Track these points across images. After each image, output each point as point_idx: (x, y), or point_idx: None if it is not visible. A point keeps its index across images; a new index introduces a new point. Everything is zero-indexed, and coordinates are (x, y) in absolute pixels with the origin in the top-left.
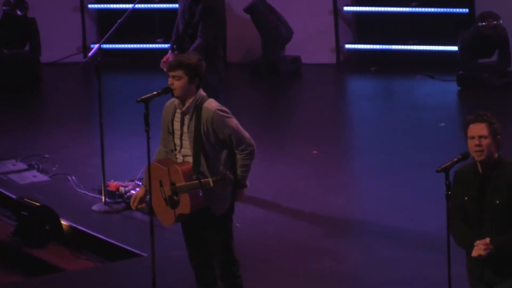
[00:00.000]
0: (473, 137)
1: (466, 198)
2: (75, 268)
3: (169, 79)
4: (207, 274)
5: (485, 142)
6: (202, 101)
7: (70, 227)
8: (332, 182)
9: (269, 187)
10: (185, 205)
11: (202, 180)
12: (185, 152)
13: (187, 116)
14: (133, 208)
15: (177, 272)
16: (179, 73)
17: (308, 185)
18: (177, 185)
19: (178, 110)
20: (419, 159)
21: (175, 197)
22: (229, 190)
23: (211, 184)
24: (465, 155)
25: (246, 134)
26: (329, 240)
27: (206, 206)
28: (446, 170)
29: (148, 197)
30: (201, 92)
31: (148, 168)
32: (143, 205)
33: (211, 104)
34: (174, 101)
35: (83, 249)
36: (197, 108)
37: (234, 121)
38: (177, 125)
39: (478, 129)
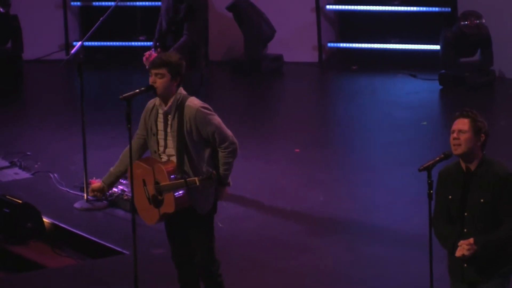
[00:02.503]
0: (453, 131)
1: (450, 197)
2: (56, 265)
3: (150, 77)
4: (190, 272)
5: (463, 136)
6: (184, 99)
7: (52, 224)
8: (314, 180)
9: (250, 185)
10: (169, 204)
11: (188, 180)
12: (169, 152)
13: (169, 116)
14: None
15: (159, 270)
16: (162, 71)
17: (290, 182)
18: (161, 184)
19: (160, 111)
20: (401, 158)
21: (159, 196)
22: (212, 189)
23: (197, 183)
24: (448, 154)
25: (228, 132)
26: (311, 237)
27: (190, 205)
28: (428, 169)
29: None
30: (182, 90)
31: (130, 167)
32: (98, 194)
33: (194, 101)
34: (154, 102)
35: (65, 246)
36: (179, 106)
37: (217, 119)
38: (160, 125)
39: (459, 124)
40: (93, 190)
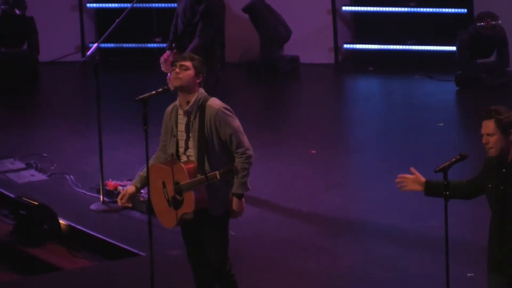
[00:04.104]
0: (482, 135)
1: (489, 186)
2: (73, 267)
3: (173, 71)
4: (205, 273)
5: (492, 139)
6: (205, 99)
7: (68, 226)
8: (330, 181)
9: (266, 186)
10: (189, 204)
11: (208, 174)
12: (190, 153)
13: (191, 116)
14: (119, 204)
15: (175, 272)
16: (188, 63)
17: (306, 184)
18: (181, 183)
19: (181, 111)
20: (417, 159)
21: (178, 197)
22: (228, 193)
23: (218, 177)
24: (464, 155)
25: (246, 138)
26: (326, 239)
27: (206, 207)
28: (444, 170)
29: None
30: (203, 91)
31: (147, 168)
32: (130, 205)
33: (215, 102)
34: (174, 104)
35: (81, 248)
36: (201, 107)
37: (236, 122)
38: (181, 126)
39: (485, 127)
40: (126, 197)
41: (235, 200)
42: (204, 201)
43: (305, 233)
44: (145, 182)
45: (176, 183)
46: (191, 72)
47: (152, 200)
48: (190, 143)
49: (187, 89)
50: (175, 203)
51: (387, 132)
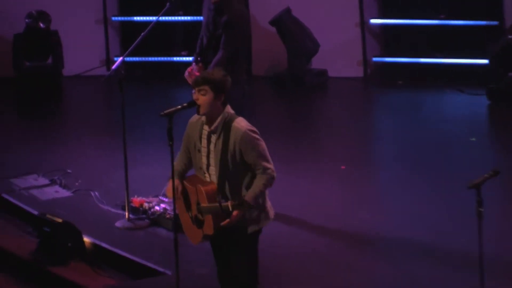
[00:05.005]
0: None
1: None
2: (97, 286)
3: (193, 94)
4: None
5: None
6: (231, 119)
7: (93, 244)
8: (360, 197)
9: (295, 202)
10: (208, 226)
11: (222, 204)
12: (212, 171)
13: (214, 135)
14: (168, 195)
15: None
16: (204, 87)
17: (335, 199)
18: (201, 205)
19: (206, 127)
20: (449, 174)
21: (200, 217)
22: (256, 213)
23: (230, 209)
24: (497, 171)
25: (270, 161)
26: (356, 255)
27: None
28: (477, 187)
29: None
30: (229, 109)
31: (172, 183)
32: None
33: (241, 123)
34: (200, 117)
35: (106, 266)
36: (226, 126)
37: (262, 145)
38: (204, 142)
39: None
40: (180, 191)
41: (235, 214)
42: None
43: (334, 249)
44: (183, 176)
45: (198, 204)
46: (209, 95)
47: (180, 214)
48: (212, 161)
49: (210, 113)
50: (198, 222)
51: (417, 146)
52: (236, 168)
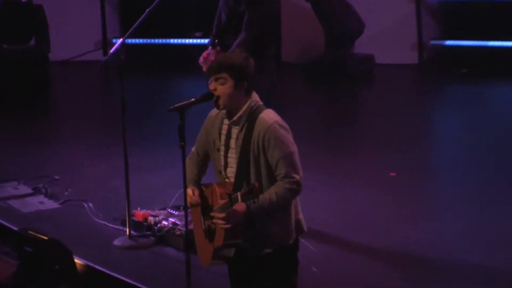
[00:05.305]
0: None
1: None
2: None
3: (210, 83)
4: None
5: None
6: (259, 109)
7: (86, 266)
8: (411, 212)
9: (332, 218)
10: (219, 236)
11: (232, 196)
12: (230, 173)
13: (236, 128)
14: (189, 204)
15: None
16: (222, 75)
17: (381, 214)
18: (214, 208)
19: (226, 121)
20: None
21: (212, 226)
22: (275, 229)
23: (239, 200)
24: None
25: (298, 171)
26: (407, 283)
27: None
28: None
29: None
30: (256, 97)
31: (184, 194)
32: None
33: (270, 115)
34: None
35: None
36: (251, 117)
37: (291, 148)
38: (223, 139)
39: None
40: (197, 197)
41: (237, 211)
42: (237, 234)
43: (380, 275)
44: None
45: (212, 209)
46: (229, 85)
47: (194, 228)
48: (231, 160)
49: (231, 105)
50: (210, 234)
51: (483, 150)
52: (258, 169)
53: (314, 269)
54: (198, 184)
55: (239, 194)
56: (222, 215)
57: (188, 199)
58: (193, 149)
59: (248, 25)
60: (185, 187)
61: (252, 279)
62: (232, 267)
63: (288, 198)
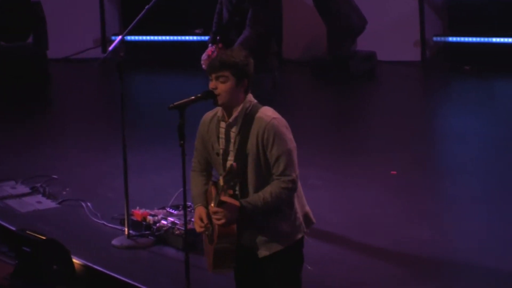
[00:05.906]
0: None
1: None
2: None
3: (210, 82)
4: None
5: None
6: (255, 109)
7: (84, 266)
8: (415, 211)
9: (337, 217)
10: (215, 234)
11: (217, 181)
12: None
13: (233, 129)
14: (198, 230)
15: None
16: (224, 73)
17: (385, 214)
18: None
19: (223, 124)
20: None
21: (210, 225)
22: (284, 226)
23: (222, 184)
24: None
25: (295, 169)
26: (411, 284)
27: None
28: None
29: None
30: (251, 98)
31: (184, 193)
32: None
33: (267, 113)
34: (215, 112)
35: None
36: (247, 118)
37: (289, 145)
38: (222, 143)
39: None
40: (205, 218)
41: (231, 206)
42: (230, 232)
43: (386, 277)
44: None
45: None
46: (230, 83)
47: (203, 240)
48: (229, 164)
49: (231, 104)
50: (211, 235)
51: (489, 148)
52: (256, 169)
53: (309, 267)
54: (205, 200)
55: (221, 177)
56: (216, 209)
57: (197, 228)
58: (193, 160)
59: (253, 22)
60: (185, 187)
61: (259, 278)
62: (238, 267)
63: (283, 197)
